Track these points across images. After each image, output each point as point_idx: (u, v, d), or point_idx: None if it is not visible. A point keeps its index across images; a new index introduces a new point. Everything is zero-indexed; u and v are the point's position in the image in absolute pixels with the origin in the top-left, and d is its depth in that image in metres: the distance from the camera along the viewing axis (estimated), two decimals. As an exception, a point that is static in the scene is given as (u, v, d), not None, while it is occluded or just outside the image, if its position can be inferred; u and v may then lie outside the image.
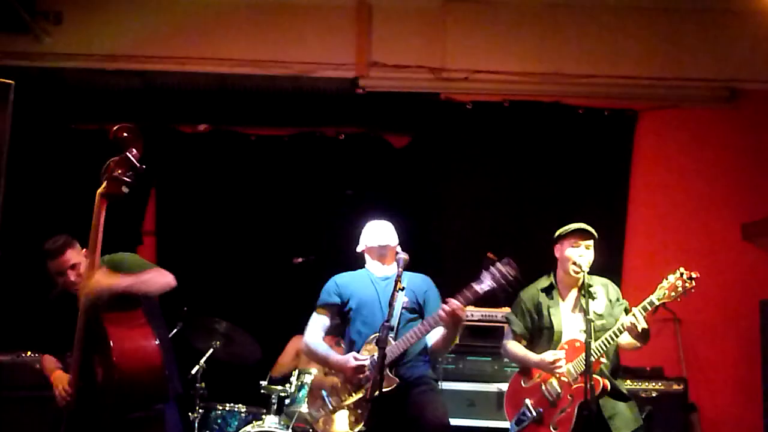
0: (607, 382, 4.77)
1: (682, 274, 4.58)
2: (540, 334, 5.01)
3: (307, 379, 6.10)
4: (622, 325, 4.65)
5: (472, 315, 6.69)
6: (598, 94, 7.62)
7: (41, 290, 4.86)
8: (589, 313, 4.64)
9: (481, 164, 7.64)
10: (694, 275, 4.57)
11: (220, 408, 6.32)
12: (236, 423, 6.30)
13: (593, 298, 4.87)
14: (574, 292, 5.03)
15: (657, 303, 4.59)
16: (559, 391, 4.82)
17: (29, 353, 5.99)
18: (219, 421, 6.31)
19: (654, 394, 6.46)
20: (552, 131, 7.59)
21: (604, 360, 4.79)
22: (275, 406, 6.25)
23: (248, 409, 6.38)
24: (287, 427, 5.95)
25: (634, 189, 7.64)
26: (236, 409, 6.35)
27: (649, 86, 7.58)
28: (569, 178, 7.56)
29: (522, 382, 5.03)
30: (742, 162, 7.61)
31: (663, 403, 6.42)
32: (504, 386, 6.09)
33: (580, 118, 7.59)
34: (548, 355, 4.86)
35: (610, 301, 4.91)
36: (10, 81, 4.44)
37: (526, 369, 5.05)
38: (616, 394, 4.84)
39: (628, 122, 7.65)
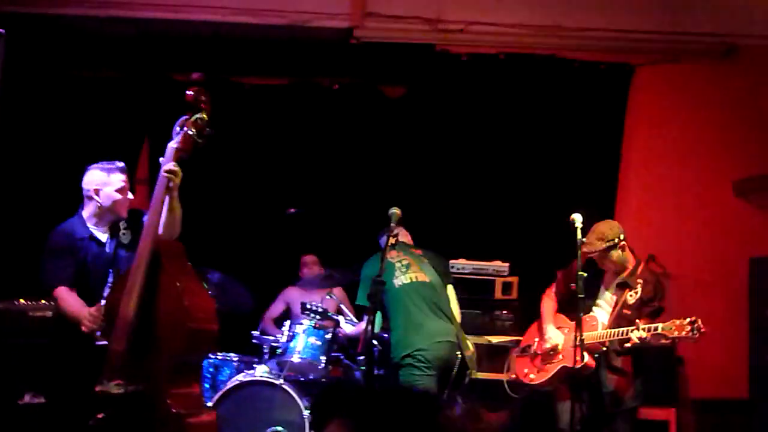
0: (593, 362, 5.09)
1: (693, 323, 4.80)
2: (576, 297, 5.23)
3: (299, 329, 6.15)
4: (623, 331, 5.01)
5: (464, 268, 6.74)
6: (594, 48, 7.59)
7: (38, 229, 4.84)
8: (617, 303, 5.19)
9: (476, 116, 7.62)
10: (701, 330, 4.80)
11: (212, 357, 6.36)
12: (228, 372, 6.35)
13: (633, 289, 5.19)
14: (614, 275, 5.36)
15: (659, 332, 4.88)
16: (559, 348, 5.32)
17: (22, 300, 5.98)
18: (211, 369, 6.35)
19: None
20: (547, 84, 7.57)
21: (604, 348, 5.14)
22: (267, 356, 6.31)
23: (240, 358, 6.43)
24: (279, 377, 6.01)
25: (627, 143, 7.65)
26: (228, 358, 6.40)
27: (646, 40, 7.54)
28: (563, 131, 7.56)
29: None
30: (736, 118, 7.60)
31: (651, 356, 6.51)
32: (494, 339, 6.31)
33: (575, 71, 7.56)
34: (549, 341, 5.37)
35: (642, 299, 5.16)
36: (1, 30, 4.42)
37: None
38: (615, 369, 5.20)
39: (623, 76, 7.63)
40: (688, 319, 4.80)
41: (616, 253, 5.22)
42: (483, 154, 7.59)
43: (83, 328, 4.28)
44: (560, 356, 5.30)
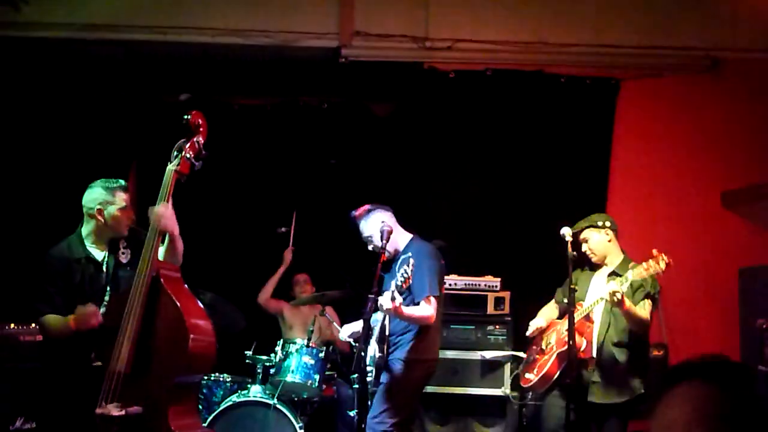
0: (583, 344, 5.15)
1: (656, 257, 4.84)
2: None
3: (292, 348, 6.13)
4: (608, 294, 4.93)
5: (456, 284, 6.74)
6: (580, 63, 7.63)
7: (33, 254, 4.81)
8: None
9: (464, 133, 7.65)
10: (667, 261, 4.83)
11: (206, 378, 6.33)
12: (221, 392, 6.33)
13: (623, 277, 5.10)
14: (605, 268, 5.38)
15: (631, 279, 4.92)
16: (552, 342, 5.34)
17: (13, 325, 5.94)
18: (204, 390, 6.34)
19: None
20: (534, 100, 7.60)
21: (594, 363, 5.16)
22: (260, 376, 6.29)
23: (233, 378, 6.41)
24: (272, 397, 5.99)
25: (616, 157, 7.68)
26: (221, 379, 6.38)
27: (631, 55, 7.60)
28: (551, 146, 7.58)
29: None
30: (722, 130, 7.65)
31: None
32: (487, 353, 6.31)
33: (562, 86, 7.59)
34: (533, 325, 5.49)
35: (632, 285, 5.10)
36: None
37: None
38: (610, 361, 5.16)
39: (610, 91, 7.67)
40: (652, 255, 4.84)
41: (598, 237, 5.30)
42: (472, 169, 7.61)
43: (92, 322, 4.29)
44: (553, 347, 5.31)
